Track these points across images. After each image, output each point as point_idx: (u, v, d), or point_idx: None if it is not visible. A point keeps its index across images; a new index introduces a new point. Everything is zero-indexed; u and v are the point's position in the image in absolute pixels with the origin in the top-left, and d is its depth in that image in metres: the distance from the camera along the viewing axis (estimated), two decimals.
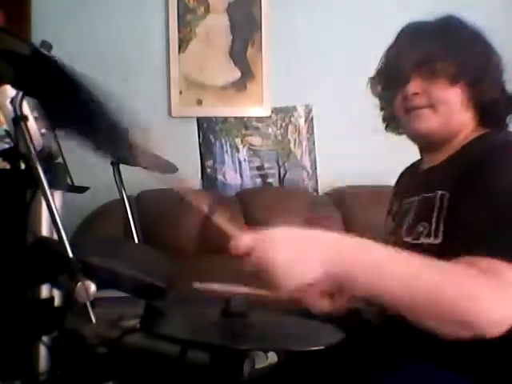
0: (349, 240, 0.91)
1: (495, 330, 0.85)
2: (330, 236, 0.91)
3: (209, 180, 3.08)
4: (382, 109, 1.24)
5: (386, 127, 1.28)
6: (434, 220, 1.03)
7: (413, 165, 1.32)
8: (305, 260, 0.87)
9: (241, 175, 3.11)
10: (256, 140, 3.11)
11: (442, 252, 0.91)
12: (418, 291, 0.86)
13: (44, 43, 0.98)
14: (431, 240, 1.04)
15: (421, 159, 1.26)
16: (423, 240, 1.05)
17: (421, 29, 1.14)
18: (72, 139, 1.18)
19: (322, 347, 0.82)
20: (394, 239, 1.15)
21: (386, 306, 0.92)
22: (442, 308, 0.85)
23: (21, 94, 1.07)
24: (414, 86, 1.11)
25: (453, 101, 1.09)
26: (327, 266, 0.87)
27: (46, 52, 0.95)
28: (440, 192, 1.04)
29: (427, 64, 1.09)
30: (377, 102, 1.25)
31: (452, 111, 1.10)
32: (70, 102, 1.06)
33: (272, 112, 3.08)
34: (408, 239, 1.10)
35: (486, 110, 1.11)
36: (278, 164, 3.12)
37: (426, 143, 1.17)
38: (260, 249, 0.88)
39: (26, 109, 1.10)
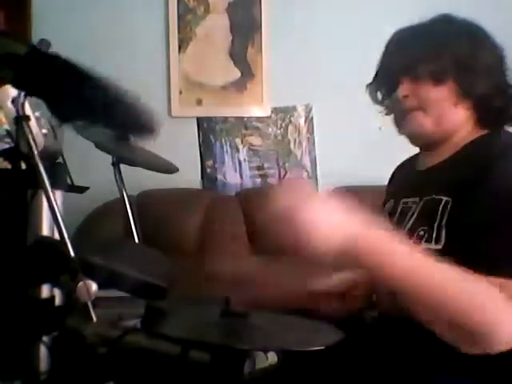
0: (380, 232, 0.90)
1: (501, 348, 0.86)
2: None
3: (209, 180, 3.08)
4: (386, 114, 1.24)
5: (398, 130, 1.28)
6: (435, 226, 1.03)
7: (407, 162, 1.32)
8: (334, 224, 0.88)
9: (241, 175, 3.11)
10: (256, 140, 3.11)
11: (442, 258, 0.91)
12: (433, 293, 0.87)
13: (42, 41, 0.98)
14: (432, 245, 1.03)
15: (416, 157, 1.25)
16: (424, 245, 1.05)
17: (407, 33, 1.15)
18: (78, 132, 1.18)
19: (322, 347, 0.82)
20: None
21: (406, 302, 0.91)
22: (454, 315, 0.86)
23: (23, 93, 1.07)
24: (403, 89, 1.12)
25: (440, 100, 1.09)
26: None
27: (44, 49, 0.95)
28: (441, 197, 1.03)
29: (412, 66, 1.10)
30: (378, 106, 1.25)
31: (442, 110, 1.10)
32: (75, 96, 1.06)
33: (272, 112, 3.08)
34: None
35: (480, 106, 1.10)
36: (278, 164, 3.13)
37: (424, 144, 1.17)
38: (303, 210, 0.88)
39: (28, 108, 1.10)
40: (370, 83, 1.20)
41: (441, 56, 1.08)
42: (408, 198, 1.17)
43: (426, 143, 1.15)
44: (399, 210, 1.19)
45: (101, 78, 0.96)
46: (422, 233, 1.07)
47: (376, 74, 1.19)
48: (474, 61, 1.07)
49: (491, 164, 0.99)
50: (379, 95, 1.21)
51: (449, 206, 1.01)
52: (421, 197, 1.11)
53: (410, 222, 1.12)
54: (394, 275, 0.88)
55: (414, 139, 1.17)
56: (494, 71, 1.09)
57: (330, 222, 0.87)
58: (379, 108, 1.25)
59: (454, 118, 1.10)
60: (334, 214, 0.88)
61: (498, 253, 0.90)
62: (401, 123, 1.16)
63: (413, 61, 1.10)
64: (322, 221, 0.87)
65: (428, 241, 1.04)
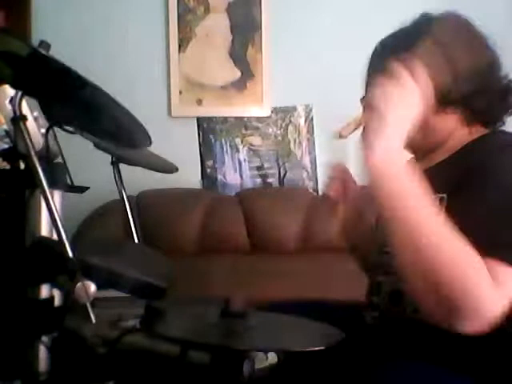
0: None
1: (482, 324, 0.86)
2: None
3: (209, 180, 3.08)
4: None
5: None
6: None
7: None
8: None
9: (241, 175, 3.11)
10: (256, 140, 3.11)
11: None
12: (436, 250, 0.86)
13: (42, 43, 0.98)
14: None
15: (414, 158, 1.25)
16: None
17: (386, 43, 1.14)
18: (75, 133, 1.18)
19: (322, 347, 0.82)
20: None
21: (396, 249, 0.92)
22: (447, 279, 0.85)
23: (20, 93, 1.07)
24: None
25: (423, 112, 1.07)
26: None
27: (44, 52, 0.96)
28: (438, 195, 1.03)
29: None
30: None
31: (427, 122, 1.06)
32: (70, 100, 1.06)
33: (272, 112, 3.08)
34: None
35: (464, 109, 1.09)
36: (278, 164, 3.13)
37: (417, 154, 1.16)
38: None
39: (26, 108, 1.10)
40: (363, 97, 1.19)
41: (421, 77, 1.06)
42: None
43: (420, 153, 1.15)
44: None
45: (95, 86, 0.96)
46: None
47: (366, 87, 1.19)
48: (450, 65, 1.05)
49: (487, 163, 0.99)
50: None
51: (446, 205, 1.01)
52: None
53: None
54: (400, 213, 0.89)
55: (406, 148, 1.16)
56: (473, 72, 1.06)
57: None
58: None
59: (440, 126, 1.09)
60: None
61: (493, 238, 0.90)
62: None
63: (388, 75, 1.08)
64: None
65: None
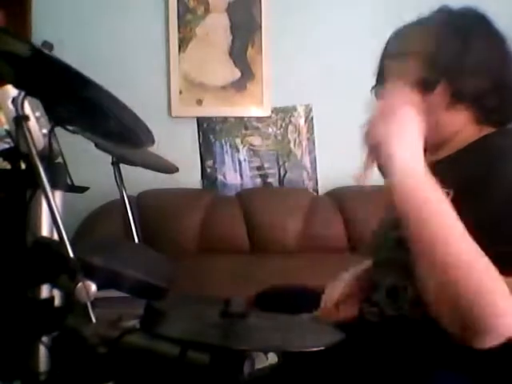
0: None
1: (493, 341, 0.85)
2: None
3: (209, 180, 3.08)
4: None
5: None
6: None
7: None
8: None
9: (241, 175, 3.11)
10: (256, 140, 3.11)
11: None
12: (456, 258, 0.85)
13: (45, 43, 0.98)
14: None
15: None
16: None
17: (400, 35, 1.14)
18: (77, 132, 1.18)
19: (322, 347, 0.82)
20: (396, 234, 1.14)
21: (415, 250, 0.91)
22: (466, 288, 0.84)
23: (23, 93, 1.07)
24: None
25: (434, 105, 1.06)
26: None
27: (47, 52, 0.96)
28: (447, 190, 1.03)
29: (402, 74, 1.08)
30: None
31: (436, 117, 1.06)
32: (72, 100, 1.06)
33: (272, 112, 3.08)
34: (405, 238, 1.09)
35: (476, 106, 1.08)
36: (278, 164, 3.13)
37: (426, 145, 1.16)
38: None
39: (28, 109, 1.10)
40: (374, 86, 1.19)
41: (431, 60, 1.06)
42: None
43: (427, 147, 1.14)
44: None
45: (98, 86, 0.96)
46: None
47: (376, 77, 1.18)
48: (463, 62, 1.05)
49: (493, 163, 0.98)
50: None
51: (452, 200, 1.00)
52: None
53: None
54: (420, 215, 0.89)
55: None
56: (487, 68, 1.05)
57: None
58: None
59: (450, 123, 1.08)
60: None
61: (501, 248, 0.90)
62: None
63: (402, 68, 1.09)
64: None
65: None
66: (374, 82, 1.18)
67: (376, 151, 0.95)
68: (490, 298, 0.83)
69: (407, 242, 0.91)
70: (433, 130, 1.05)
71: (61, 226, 1.05)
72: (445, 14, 1.11)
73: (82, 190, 1.36)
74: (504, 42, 1.09)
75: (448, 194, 1.01)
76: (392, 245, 1.13)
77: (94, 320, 1.01)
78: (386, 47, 1.15)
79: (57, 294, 1.16)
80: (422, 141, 0.95)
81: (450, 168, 1.08)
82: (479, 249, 0.85)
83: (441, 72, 1.04)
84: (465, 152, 1.07)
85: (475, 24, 1.09)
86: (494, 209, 0.93)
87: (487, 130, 1.09)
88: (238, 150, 3.10)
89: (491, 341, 0.85)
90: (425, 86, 1.05)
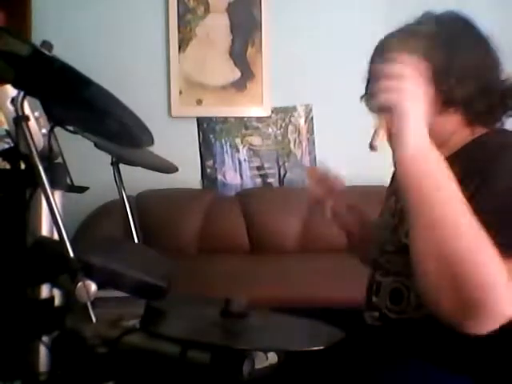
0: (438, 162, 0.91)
1: (493, 325, 0.85)
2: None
3: (209, 180, 3.08)
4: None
5: None
6: None
7: None
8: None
9: (241, 175, 3.11)
10: (256, 140, 3.11)
11: None
12: (465, 244, 0.85)
13: (45, 43, 0.98)
14: None
15: None
16: None
17: (388, 42, 1.14)
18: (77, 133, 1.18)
19: (322, 347, 0.82)
20: (394, 239, 1.15)
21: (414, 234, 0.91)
22: (464, 272, 0.84)
23: (22, 93, 1.07)
24: None
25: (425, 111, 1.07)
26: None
27: (46, 52, 0.95)
28: None
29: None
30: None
31: (428, 122, 1.07)
32: (72, 100, 1.06)
33: (272, 112, 3.08)
34: (406, 241, 1.09)
35: (466, 109, 1.09)
36: (278, 164, 3.13)
37: None
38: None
39: (27, 108, 1.10)
40: (364, 95, 1.19)
41: (420, 64, 1.06)
42: None
43: None
44: (397, 205, 1.18)
45: (98, 86, 0.96)
46: None
47: (366, 85, 1.18)
48: (452, 66, 1.05)
49: (487, 163, 0.99)
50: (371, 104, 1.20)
51: None
52: None
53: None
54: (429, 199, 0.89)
55: None
56: (474, 72, 1.06)
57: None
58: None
59: (443, 127, 1.09)
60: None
61: (503, 240, 0.90)
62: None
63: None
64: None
65: None
66: (363, 91, 1.18)
67: (388, 117, 0.93)
68: (489, 279, 0.84)
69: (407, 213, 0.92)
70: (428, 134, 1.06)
71: (61, 226, 1.05)
72: (430, 20, 1.12)
73: (82, 189, 1.36)
74: (489, 45, 1.10)
75: None
76: (393, 246, 1.13)
77: (94, 320, 1.01)
78: (373, 56, 1.16)
79: (57, 293, 1.16)
80: (426, 112, 0.94)
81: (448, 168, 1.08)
82: (480, 229, 0.85)
83: (429, 78, 1.05)
84: (458, 154, 1.08)
85: (461, 29, 1.10)
86: (495, 200, 0.93)
87: (479, 132, 1.09)
88: (237, 150, 3.10)
89: (489, 324, 0.85)
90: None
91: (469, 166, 1.00)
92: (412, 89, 0.91)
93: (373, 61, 1.16)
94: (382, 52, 1.14)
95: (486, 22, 1.13)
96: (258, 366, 0.88)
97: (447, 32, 1.09)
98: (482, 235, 0.85)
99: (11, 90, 1.10)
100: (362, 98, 1.18)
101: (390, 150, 0.94)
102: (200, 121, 3.06)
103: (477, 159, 1.01)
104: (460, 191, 0.90)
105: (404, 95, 0.90)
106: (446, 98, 1.05)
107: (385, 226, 1.22)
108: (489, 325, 0.86)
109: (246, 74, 3.07)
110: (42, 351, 1.11)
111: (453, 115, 1.08)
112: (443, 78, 1.04)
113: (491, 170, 0.97)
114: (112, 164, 1.67)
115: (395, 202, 1.22)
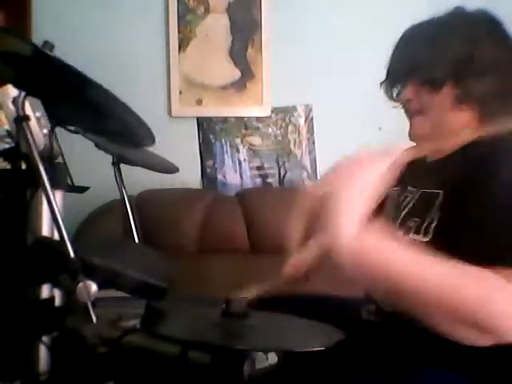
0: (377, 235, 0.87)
1: (498, 339, 0.86)
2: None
3: (209, 180, 3.08)
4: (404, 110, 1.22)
5: None
6: (427, 217, 1.03)
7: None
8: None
9: (241, 175, 3.11)
10: (256, 140, 3.11)
11: (429, 250, 0.90)
12: (435, 291, 0.84)
13: (46, 43, 0.98)
14: (419, 237, 1.04)
15: None
16: (412, 236, 1.06)
17: (414, 32, 1.15)
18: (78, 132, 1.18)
19: (322, 347, 0.82)
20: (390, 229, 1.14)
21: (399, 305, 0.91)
22: (461, 311, 0.84)
23: (23, 93, 1.07)
24: (407, 93, 1.13)
25: (439, 105, 1.08)
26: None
27: (48, 52, 0.96)
28: (438, 191, 1.04)
29: (414, 70, 1.10)
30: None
31: (441, 115, 1.08)
32: (73, 100, 1.06)
33: (272, 112, 3.08)
34: (399, 233, 1.10)
35: (483, 107, 1.09)
36: (278, 164, 3.13)
37: (428, 141, 1.16)
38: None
39: (28, 109, 1.10)
40: (384, 81, 1.20)
41: (439, 60, 1.07)
42: (411, 187, 1.16)
43: (430, 143, 1.15)
44: (401, 199, 1.18)
45: (98, 86, 0.97)
46: (412, 224, 1.07)
47: (387, 72, 1.19)
48: (473, 62, 1.06)
49: (489, 163, 0.99)
50: (393, 93, 1.21)
51: (442, 201, 1.01)
52: (418, 188, 1.12)
53: (404, 211, 1.13)
54: (390, 274, 0.85)
55: (415, 143, 1.17)
56: (497, 69, 1.07)
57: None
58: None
59: (454, 122, 1.10)
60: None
61: (498, 245, 0.90)
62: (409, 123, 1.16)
63: (414, 65, 1.10)
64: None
65: (417, 232, 1.05)
66: (384, 77, 1.19)
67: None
68: (489, 309, 0.83)
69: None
70: (436, 128, 1.07)
71: (61, 226, 1.05)
72: (457, 15, 1.13)
73: (82, 189, 1.37)
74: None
75: (438, 194, 1.02)
76: None
77: (94, 320, 1.01)
78: (397, 45, 1.16)
79: (57, 293, 1.16)
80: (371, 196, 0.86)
81: (442, 169, 1.09)
82: (461, 269, 0.84)
83: (448, 73, 1.05)
84: (458, 154, 1.08)
85: (485, 26, 1.11)
86: (483, 211, 0.94)
87: (491, 130, 1.09)
88: (238, 150, 3.10)
89: (498, 338, 0.86)
90: (432, 85, 1.07)
91: (460, 172, 1.00)
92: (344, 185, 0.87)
93: (396, 49, 1.16)
94: (407, 41, 1.14)
95: None
96: (258, 366, 0.88)
97: (472, 27, 1.10)
98: (456, 274, 0.84)
99: (12, 90, 1.11)
100: (381, 84, 1.19)
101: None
102: (200, 121, 3.06)
103: (478, 161, 1.01)
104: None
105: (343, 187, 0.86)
106: (462, 94, 1.06)
107: (386, 211, 1.22)
108: (497, 338, 0.86)
109: (246, 74, 3.07)
110: (42, 351, 1.11)
111: (466, 111, 1.08)
112: (463, 73, 1.05)
113: (481, 177, 0.97)
114: (113, 164, 1.67)
115: (398, 195, 1.22)
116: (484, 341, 0.87)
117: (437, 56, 1.07)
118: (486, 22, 1.12)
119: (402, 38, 1.16)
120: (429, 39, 1.10)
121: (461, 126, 1.10)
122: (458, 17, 1.13)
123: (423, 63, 1.09)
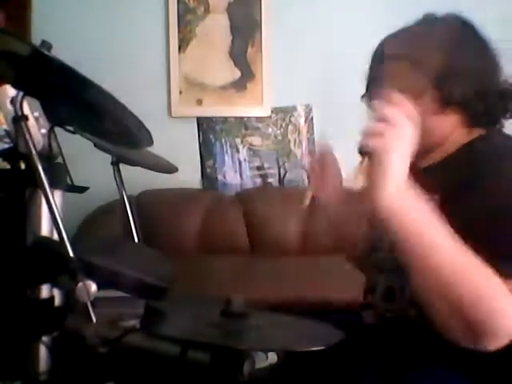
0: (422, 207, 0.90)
1: (501, 343, 0.86)
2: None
3: (209, 180, 3.08)
4: None
5: None
6: None
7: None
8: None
9: (241, 175, 3.11)
10: (256, 140, 3.11)
11: None
12: (457, 276, 0.85)
13: (44, 43, 0.98)
14: None
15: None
16: None
17: (388, 44, 1.14)
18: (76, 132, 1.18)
19: (322, 347, 0.82)
20: (388, 237, 1.15)
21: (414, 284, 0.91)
22: (466, 306, 0.85)
23: (21, 93, 1.07)
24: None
25: (423, 111, 1.06)
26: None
27: (46, 52, 0.96)
28: (434, 196, 1.03)
29: (393, 81, 1.08)
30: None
31: (426, 121, 1.06)
32: (71, 101, 1.06)
33: (272, 112, 3.08)
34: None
35: (464, 110, 1.09)
36: (278, 164, 3.13)
37: (415, 154, 1.16)
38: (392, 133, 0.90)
39: (27, 108, 1.10)
40: (364, 94, 1.20)
41: (416, 69, 1.06)
42: None
43: (418, 153, 1.15)
44: None
45: (97, 86, 0.96)
46: None
47: (367, 85, 1.19)
48: (450, 67, 1.06)
49: (482, 165, 0.99)
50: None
51: (438, 206, 1.01)
52: None
53: None
54: (422, 242, 0.88)
55: None
56: (473, 74, 1.07)
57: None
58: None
59: (440, 127, 1.09)
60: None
61: (497, 250, 0.90)
62: None
63: (392, 76, 1.09)
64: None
65: None
66: (363, 89, 1.19)
67: (371, 161, 0.93)
68: (499, 306, 0.85)
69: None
70: (424, 135, 1.06)
71: (61, 226, 1.05)
72: (431, 21, 1.12)
73: (82, 189, 1.36)
74: (488, 47, 1.10)
75: (434, 198, 1.02)
76: (387, 245, 1.13)
77: (94, 320, 1.01)
78: (374, 55, 1.16)
79: (57, 293, 1.16)
80: (411, 150, 0.93)
81: (438, 173, 1.09)
82: (475, 259, 0.85)
83: (426, 79, 1.05)
84: (453, 157, 1.08)
85: (461, 31, 1.10)
86: (480, 210, 0.93)
87: (476, 133, 1.09)
88: (237, 150, 3.10)
89: (495, 343, 0.86)
90: (412, 94, 1.06)
91: (463, 170, 1.00)
92: (398, 136, 0.90)
93: (373, 61, 1.16)
94: (383, 53, 1.14)
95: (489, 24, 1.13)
96: (258, 366, 0.88)
97: (447, 33, 1.09)
98: (479, 266, 0.85)
99: (10, 90, 1.10)
100: (362, 97, 1.19)
101: None
102: (200, 121, 3.06)
103: (472, 164, 1.01)
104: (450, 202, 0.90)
105: (387, 145, 0.89)
106: (444, 98, 1.06)
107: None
108: (501, 342, 0.86)
109: (246, 74, 3.07)
110: (42, 351, 1.11)
111: (450, 116, 1.08)
112: (442, 77, 1.05)
113: (477, 177, 0.97)
114: (112, 164, 1.67)
115: None
116: (475, 342, 0.87)
117: (412, 65, 1.06)
118: (460, 25, 1.12)
119: (377, 51, 1.16)
120: (407, 47, 1.09)
121: (447, 131, 1.10)
122: (430, 23, 1.13)
123: (400, 73, 1.08)
